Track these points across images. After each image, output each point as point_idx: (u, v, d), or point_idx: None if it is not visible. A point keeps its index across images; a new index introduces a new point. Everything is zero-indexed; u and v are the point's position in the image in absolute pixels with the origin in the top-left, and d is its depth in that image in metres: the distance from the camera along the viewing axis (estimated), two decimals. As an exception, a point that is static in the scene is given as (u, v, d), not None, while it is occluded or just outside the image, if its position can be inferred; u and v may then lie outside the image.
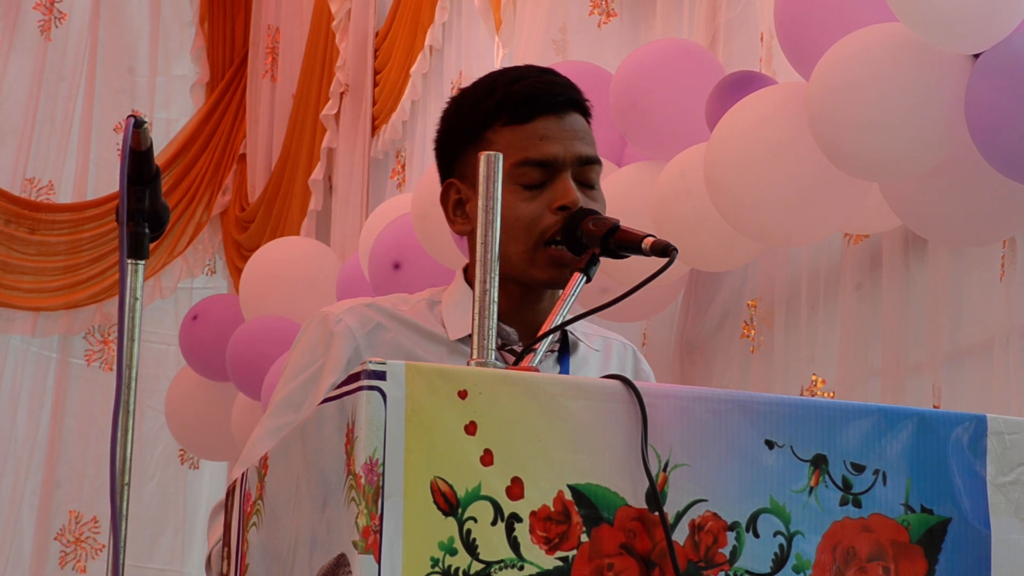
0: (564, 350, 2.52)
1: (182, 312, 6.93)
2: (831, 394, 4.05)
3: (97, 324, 7.32)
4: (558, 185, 2.44)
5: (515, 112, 2.46)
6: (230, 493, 2.19)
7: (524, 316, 2.47)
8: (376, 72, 6.56)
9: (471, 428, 1.78)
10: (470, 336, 2.45)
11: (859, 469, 1.87)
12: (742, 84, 3.95)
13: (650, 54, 4.29)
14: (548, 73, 2.53)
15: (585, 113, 2.52)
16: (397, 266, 4.82)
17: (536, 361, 2.21)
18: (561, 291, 2.49)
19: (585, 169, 2.47)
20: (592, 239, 2.35)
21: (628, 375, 2.56)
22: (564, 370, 2.49)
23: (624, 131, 4.26)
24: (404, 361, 1.78)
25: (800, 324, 4.20)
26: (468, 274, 2.55)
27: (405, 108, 6.29)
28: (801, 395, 4.10)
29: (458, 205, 2.53)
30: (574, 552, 1.79)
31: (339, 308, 2.51)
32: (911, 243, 3.90)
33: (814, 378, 4.14)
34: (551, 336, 2.25)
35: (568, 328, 2.51)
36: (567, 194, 2.43)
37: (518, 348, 2.44)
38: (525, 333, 2.47)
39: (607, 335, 2.63)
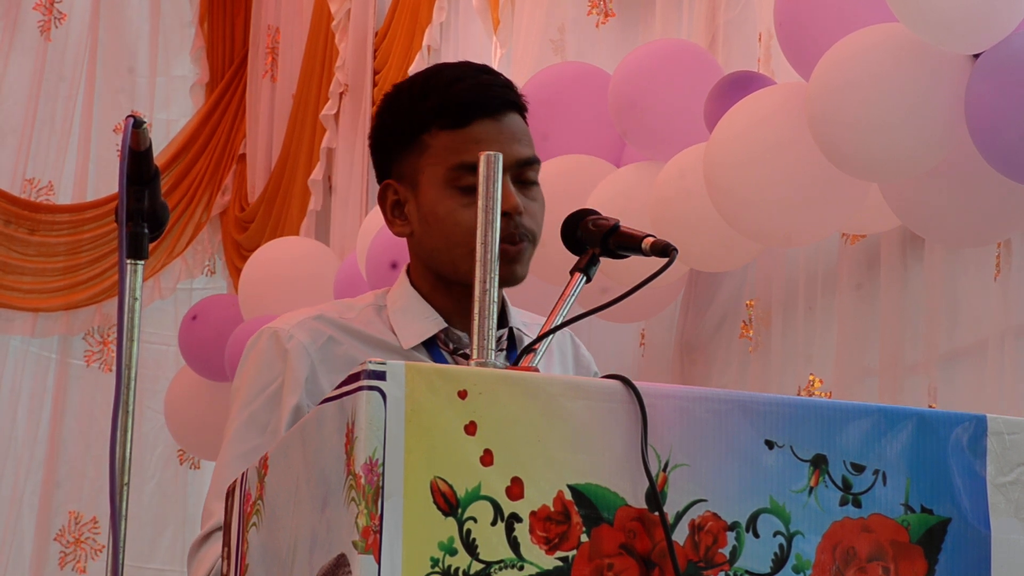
0: (512, 347, 2.52)
1: (181, 312, 6.93)
2: (828, 394, 4.05)
3: (96, 325, 7.32)
4: None
5: (452, 116, 2.45)
6: (230, 493, 2.19)
7: (470, 320, 2.46)
8: (375, 72, 6.56)
9: (471, 428, 1.78)
10: (423, 344, 2.47)
11: (859, 469, 1.87)
12: (740, 84, 3.95)
13: (648, 54, 4.29)
14: (485, 73, 2.50)
15: (522, 112, 2.51)
16: (394, 266, 4.83)
17: (536, 361, 2.21)
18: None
19: (524, 169, 2.47)
20: (592, 239, 2.35)
21: (568, 362, 2.59)
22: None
23: (622, 131, 4.26)
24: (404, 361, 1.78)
25: (798, 324, 4.20)
26: (412, 275, 2.54)
27: (404, 108, 6.27)
28: (798, 395, 4.10)
29: (396, 206, 2.51)
30: (574, 552, 1.79)
31: (288, 323, 2.49)
32: (908, 243, 3.90)
33: (811, 378, 4.14)
34: (550, 337, 2.25)
35: (516, 326, 2.51)
36: (507, 200, 2.41)
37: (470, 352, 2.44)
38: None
39: (540, 322, 2.61)
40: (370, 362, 1.76)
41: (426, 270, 2.51)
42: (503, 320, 2.52)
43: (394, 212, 2.52)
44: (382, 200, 2.53)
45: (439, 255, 2.45)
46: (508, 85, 2.50)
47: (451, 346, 2.47)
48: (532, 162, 2.48)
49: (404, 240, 4.67)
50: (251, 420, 2.45)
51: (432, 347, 2.48)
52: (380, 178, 2.55)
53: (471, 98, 2.45)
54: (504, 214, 2.40)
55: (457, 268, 2.43)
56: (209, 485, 2.50)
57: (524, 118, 2.51)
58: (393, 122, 2.51)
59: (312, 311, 2.51)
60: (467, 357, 2.37)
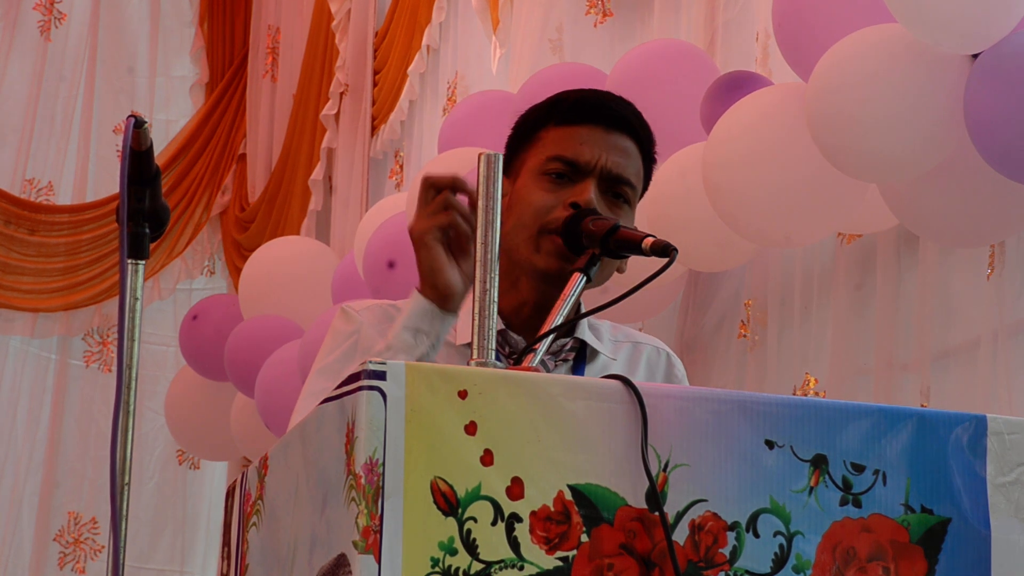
0: (581, 359, 2.51)
1: (181, 313, 6.93)
2: (823, 393, 4.05)
3: (96, 325, 7.32)
4: (578, 186, 2.46)
5: (567, 113, 2.52)
6: (230, 493, 2.19)
7: (534, 325, 2.47)
8: (375, 72, 6.56)
9: (471, 428, 1.78)
10: None
11: (859, 469, 1.88)
12: (736, 84, 3.95)
13: (644, 54, 4.29)
14: (617, 96, 2.57)
15: (642, 143, 2.54)
16: (391, 265, 4.83)
17: (536, 361, 2.20)
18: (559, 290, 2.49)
19: (615, 184, 2.49)
20: (592, 239, 2.35)
21: (658, 380, 2.57)
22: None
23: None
24: (404, 361, 1.78)
25: (794, 324, 4.20)
26: None
27: (403, 108, 6.29)
28: (794, 394, 4.10)
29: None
30: (574, 552, 1.79)
31: (357, 304, 2.55)
32: (903, 243, 3.90)
33: (807, 377, 4.14)
34: (550, 336, 2.25)
35: (588, 340, 2.51)
36: (582, 193, 2.45)
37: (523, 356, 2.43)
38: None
39: (639, 340, 2.61)
40: (370, 362, 1.76)
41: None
42: (571, 328, 2.52)
43: None
44: None
45: (507, 238, 2.44)
46: (636, 113, 2.56)
47: (507, 349, 2.47)
48: (625, 182, 2.50)
49: (401, 239, 4.66)
50: (326, 368, 2.48)
51: None
52: None
53: (590, 102, 2.53)
54: (574, 205, 2.43)
55: (519, 250, 2.44)
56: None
57: (641, 151, 2.54)
58: (518, 127, 2.58)
59: (384, 302, 2.56)
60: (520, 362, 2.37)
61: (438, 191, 2.33)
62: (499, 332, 2.47)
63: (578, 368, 2.50)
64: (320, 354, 2.53)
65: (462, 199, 2.31)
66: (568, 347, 2.50)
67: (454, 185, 2.32)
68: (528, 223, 2.43)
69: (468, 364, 1.97)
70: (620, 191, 2.50)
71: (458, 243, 2.31)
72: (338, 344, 2.51)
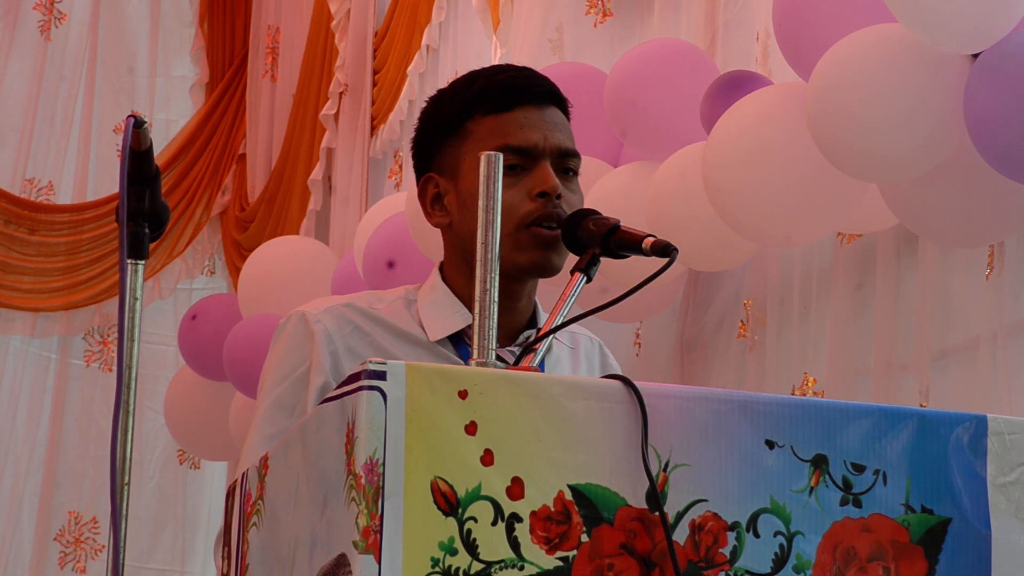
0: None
1: (181, 313, 6.93)
2: (821, 393, 4.06)
3: (96, 325, 7.32)
4: (537, 172, 2.46)
5: (496, 101, 2.50)
6: (230, 493, 2.19)
7: (503, 317, 2.46)
8: (375, 72, 6.56)
9: (471, 428, 1.78)
10: (449, 338, 2.47)
11: (859, 469, 1.88)
12: (736, 84, 3.95)
13: (644, 54, 4.29)
14: (527, 69, 2.57)
15: (564, 110, 2.55)
16: (391, 264, 4.83)
17: (536, 361, 2.21)
18: (535, 279, 2.50)
19: (565, 160, 2.50)
20: (592, 239, 2.35)
21: (596, 371, 2.58)
22: (541, 370, 2.49)
23: (620, 131, 4.26)
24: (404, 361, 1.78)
25: (793, 323, 4.20)
26: (444, 271, 2.55)
27: (403, 108, 6.29)
28: (793, 394, 4.10)
29: (436, 199, 2.54)
30: (574, 552, 1.79)
31: (317, 308, 2.50)
32: (902, 242, 3.90)
33: (806, 377, 4.14)
34: (551, 336, 2.25)
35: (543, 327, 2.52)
36: (546, 180, 2.45)
37: (497, 349, 2.43)
38: (504, 335, 2.46)
39: (573, 330, 2.62)
40: (371, 362, 1.77)
41: (461, 262, 2.51)
42: (533, 321, 2.52)
43: (433, 205, 2.54)
44: (422, 193, 2.55)
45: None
46: (551, 81, 2.56)
47: None
48: (573, 154, 2.51)
49: (401, 239, 4.64)
50: (278, 402, 2.47)
51: (458, 342, 2.48)
52: (420, 174, 2.57)
53: (515, 84, 2.51)
54: (543, 195, 2.44)
55: None
56: (238, 467, 2.51)
57: (567, 115, 2.55)
58: (437, 116, 2.55)
59: (343, 299, 2.53)
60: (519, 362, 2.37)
61: None
62: (468, 325, 2.47)
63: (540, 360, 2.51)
64: (271, 374, 2.49)
65: None
66: (532, 337, 2.50)
67: None
68: (500, 224, 2.42)
69: (468, 363, 1.97)
70: (570, 165, 2.50)
71: None
72: (288, 372, 2.47)
